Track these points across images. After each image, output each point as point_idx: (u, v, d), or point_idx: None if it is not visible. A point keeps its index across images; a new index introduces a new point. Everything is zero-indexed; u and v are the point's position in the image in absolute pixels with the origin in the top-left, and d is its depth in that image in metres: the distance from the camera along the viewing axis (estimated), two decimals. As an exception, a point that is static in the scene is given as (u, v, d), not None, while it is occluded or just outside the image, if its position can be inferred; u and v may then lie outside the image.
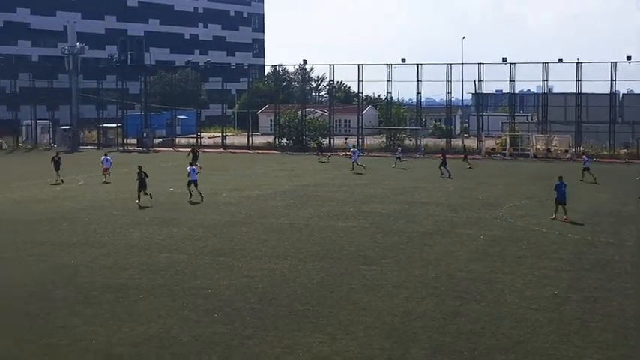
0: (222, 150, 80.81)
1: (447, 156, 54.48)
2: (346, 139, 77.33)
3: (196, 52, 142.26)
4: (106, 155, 51.35)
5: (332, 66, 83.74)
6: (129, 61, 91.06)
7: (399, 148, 66.60)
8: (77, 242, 27.93)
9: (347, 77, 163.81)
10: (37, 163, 62.27)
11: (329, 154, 70.92)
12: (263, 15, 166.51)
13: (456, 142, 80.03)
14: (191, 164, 41.79)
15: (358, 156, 58.71)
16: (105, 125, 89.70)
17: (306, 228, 31.12)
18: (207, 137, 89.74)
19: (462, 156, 62.78)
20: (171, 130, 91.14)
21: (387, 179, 50.76)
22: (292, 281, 22.13)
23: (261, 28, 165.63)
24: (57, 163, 48.79)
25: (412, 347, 16.50)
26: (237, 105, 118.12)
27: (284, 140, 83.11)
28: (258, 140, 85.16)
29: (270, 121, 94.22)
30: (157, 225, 31.60)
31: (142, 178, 38.48)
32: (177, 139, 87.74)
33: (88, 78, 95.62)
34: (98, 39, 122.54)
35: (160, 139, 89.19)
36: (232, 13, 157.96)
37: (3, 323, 17.98)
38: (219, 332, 17.39)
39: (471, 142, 79.47)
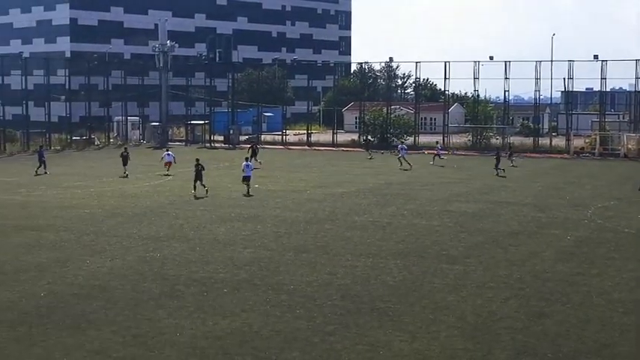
0: (306, 147, 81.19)
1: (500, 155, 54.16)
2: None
3: (283, 49, 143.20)
4: (167, 150, 54.26)
5: (418, 63, 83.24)
6: (217, 59, 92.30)
7: (439, 145, 66.21)
8: (164, 236, 28.52)
9: (433, 75, 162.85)
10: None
11: (381, 150, 71.84)
12: (350, 12, 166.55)
13: (544, 141, 78.56)
14: (247, 159, 42.81)
15: (406, 152, 58.97)
16: (193, 122, 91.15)
17: (389, 226, 31.05)
18: (292, 134, 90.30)
19: (508, 153, 61.51)
20: (257, 127, 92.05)
21: (473, 178, 50.20)
22: (374, 279, 22.12)
23: (347, 26, 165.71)
24: (125, 158, 50.97)
25: (495, 348, 16.31)
26: (322, 102, 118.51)
27: (369, 138, 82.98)
28: (342, 138, 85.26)
29: (355, 118, 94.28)
30: (241, 221, 32.00)
31: (199, 170, 40.41)
32: (263, 136, 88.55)
33: (178, 75, 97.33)
34: (188, 37, 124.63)
35: (246, 136, 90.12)
36: (320, 11, 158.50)
37: (89, 314, 18.48)
38: (301, 328, 17.51)
39: (560, 141, 77.91)
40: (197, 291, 20.63)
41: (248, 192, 40.30)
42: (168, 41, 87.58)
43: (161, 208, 35.45)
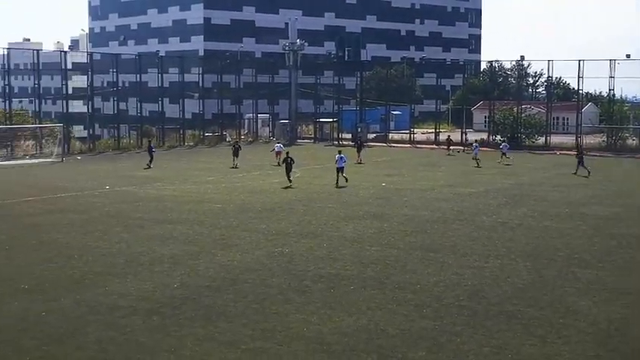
0: (434, 146, 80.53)
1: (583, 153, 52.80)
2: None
3: (412, 47, 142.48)
4: (278, 142, 58.26)
5: (550, 62, 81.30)
6: (346, 57, 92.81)
7: (504, 144, 64.87)
8: (292, 232, 28.92)
9: (566, 73, 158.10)
10: (257, 154, 64.91)
11: (459, 148, 71.94)
12: (480, 10, 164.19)
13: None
14: (339, 152, 45.66)
15: (478, 150, 59.43)
16: (321, 120, 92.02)
17: (519, 227, 30.45)
18: (420, 133, 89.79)
19: None
20: (384, 126, 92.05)
21: (609, 180, 48.61)
22: (503, 281, 21.75)
23: (478, 24, 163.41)
24: (236, 150, 55.36)
25: (631, 357, 15.77)
26: (451, 101, 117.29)
27: (498, 137, 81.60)
28: (472, 137, 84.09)
29: (485, 117, 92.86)
30: (368, 219, 32.08)
31: (289, 162, 44.07)
32: (390, 135, 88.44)
33: (307, 73, 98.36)
34: (317, 35, 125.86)
35: (374, 134, 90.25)
36: (449, 9, 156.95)
37: (220, 306, 18.93)
38: (428, 328, 17.42)
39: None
40: (324, 287, 20.83)
41: (345, 179, 43.79)
42: (298, 40, 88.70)
43: (289, 205, 35.96)
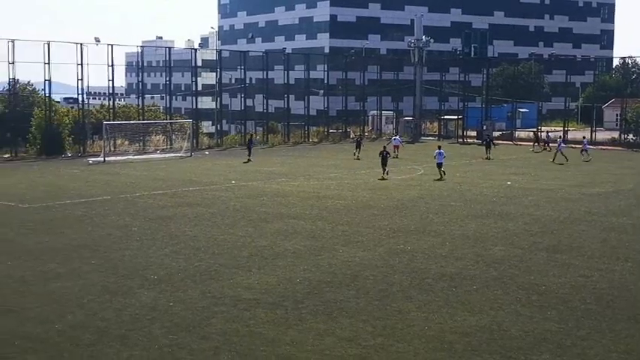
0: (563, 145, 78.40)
1: None
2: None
3: (540, 44, 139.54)
4: (395, 135, 59.55)
5: (688, 58, 77.81)
6: (472, 54, 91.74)
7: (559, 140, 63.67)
8: (415, 230, 28.82)
9: None
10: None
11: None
12: (614, 4, 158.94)
13: None
14: (439, 147, 47.31)
15: (563, 147, 59.93)
16: (446, 117, 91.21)
17: (652, 230, 29.36)
18: (546, 131, 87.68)
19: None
20: (511, 123, 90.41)
21: None
22: (633, 285, 21.01)
23: (610, 19, 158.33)
24: (359, 143, 58.33)
25: None
26: (581, 99, 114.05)
27: (630, 136, 78.82)
28: (601, 136, 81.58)
29: (616, 115, 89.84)
30: (492, 218, 31.61)
31: (384, 156, 46.13)
32: (517, 132, 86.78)
33: (432, 70, 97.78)
34: (443, 32, 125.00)
35: (500, 132, 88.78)
36: (581, 4, 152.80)
37: (341, 302, 19.07)
38: (552, 330, 17.03)
39: None
40: (446, 286, 20.67)
41: (441, 177, 45.07)
42: (423, 36, 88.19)
43: (412, 202, 35.84)
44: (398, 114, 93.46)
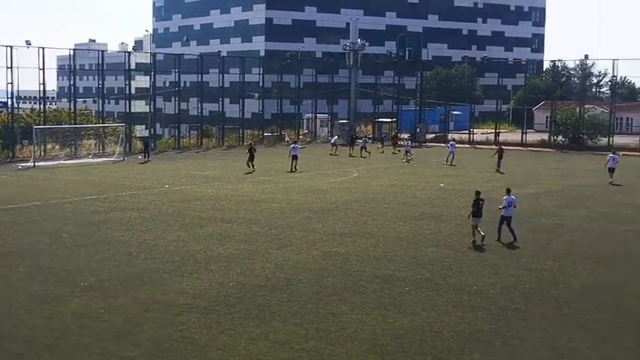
0: (493, 146, 79.59)
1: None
2: None
3: (473, 47, 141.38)
4: (295, 144, 55.39)
5: (615, 61, 79.77)
6: (407, 57, 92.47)
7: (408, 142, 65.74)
8: (348, 232, 28.91)
9: (632, 72, 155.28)
10: (315, 155, 65.11)
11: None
12: (544, 9, 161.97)
13: None
14: (295, 142, 51.02)
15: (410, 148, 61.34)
16: (380, 120, 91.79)
17: (579, 229, 30.01)
18: (479, 133, 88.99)
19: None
20: (444, 126, 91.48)
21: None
22: (561, 283, 21.45)
23: (541, 23, 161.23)
24: (251, 152, 51.99)
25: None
26: (512, 101, 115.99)
27: (559, 138, 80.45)
28: (532, 137, 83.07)
29: (546, 118, 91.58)
30: (425, 219, 31.92)
31: (252, 152, 50.06)
32: (450, 135, 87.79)
33: (367, 73, 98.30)
34: (378, 35, 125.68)
35: (433, 134, 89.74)
36: (512, 8, 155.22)
37: (275, 306, 19.02)
38: (482, 330, 17.26)
39: None
40: (379, 288, 20.78)
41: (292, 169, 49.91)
42: (359, 40, 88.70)
43: (346, 205, 35.96)
44: (333, 117, 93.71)
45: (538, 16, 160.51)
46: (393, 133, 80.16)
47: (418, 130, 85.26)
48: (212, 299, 19.50)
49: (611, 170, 46.16)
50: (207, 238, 27.46)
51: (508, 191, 28.10)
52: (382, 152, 68.32)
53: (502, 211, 27.49)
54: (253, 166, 50.56)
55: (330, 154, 64.37)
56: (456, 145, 61.35)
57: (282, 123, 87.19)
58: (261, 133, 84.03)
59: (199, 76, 77.12)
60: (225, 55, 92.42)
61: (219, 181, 45.24)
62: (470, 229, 27.20)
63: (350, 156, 63.42)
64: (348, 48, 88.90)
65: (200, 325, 17.41)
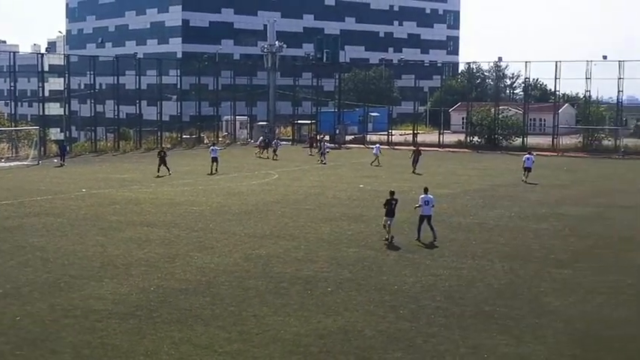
0: (412, 147, 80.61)
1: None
2: None
3: (390, 49, 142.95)
4: (214, 145, 55.40)
5: (528, 63, 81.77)
6: (324, 59, 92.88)
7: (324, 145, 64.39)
8: (270, 234, 28.88)
9: (543, 74, 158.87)
10: (235, 157, 64.87)
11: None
12: (458, 12, 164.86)
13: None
14: (214, 144, 51.53)
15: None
16: (299, 121, 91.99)
17: (496, 228, 30.61)
18: (398, 134, 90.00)
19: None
20: (363, 127, 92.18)
21: (583, 181, 48.97)
22: (479, 281, 21.85)
23: (456, 25, 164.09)
24: (162, 159, 50.76)
25: (606, 356, 15.90)
26: (429, 102, 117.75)
27: (475, 139, 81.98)
28: (449, 138, 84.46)
29: (462, 119, 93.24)
30: (346, 220, 32.11)
31: (162, 156, 50.27)
32: (368, 136, 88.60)
33: (285, 75, 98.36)
34: (296, 37, 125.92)
35: (352, 136, 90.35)
36: (428, 11, 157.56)
37: (197, 309, 18.87)
38: (404, 328, 17.45)
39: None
40: (301, 289, 20.81)
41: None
42: (276, 42, 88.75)
43: (267, 207, 35.90)
44: (252, 119, 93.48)
45: (452, 19, 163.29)
46: (312, 135, 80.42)
47: (337, 131, 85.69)
48: (133, 304, 19.21)
49: (527, 170, 47.32)
50: (127, 243, 27.05)
51: (425, 190, 28.43)
52: (310, 155, 67.60)
53: (420, 210, 27.77)
54: (168, 169, 49.80)
55: (260, 157, 64.48)
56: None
57: (201, 125, 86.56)
58: (179, 135, 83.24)
59: (115, 78, 75.84)
60: (141, 56, 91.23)
61: (138, 184, 44.63)
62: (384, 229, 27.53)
63: (264, 158, 63.33)
64: (266, 50, 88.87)
65: (121, 331, 17.14)
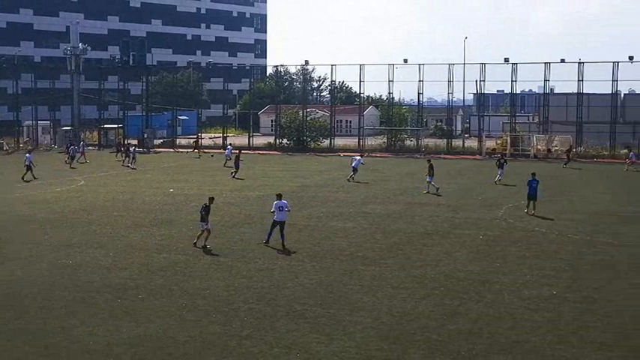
0: (222, 151, 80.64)
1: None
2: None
3: (198, 52, 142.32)
4: (28, 153, 52.64)
5: (334, 66, 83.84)
6: (131, 62, 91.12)
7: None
8: (77, 243, 27.95)
9: (349, 77, 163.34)
10: (38, 163, 62.23)
11: (211, 152, 72.06)
12: (266, 15, 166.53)
13: (457, 143, 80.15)
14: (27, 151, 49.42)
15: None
16: (106, 126, 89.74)
17: (306, 228, 31.14)
18: (207, 137, 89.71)
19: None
20: (172, 131, 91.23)
21: (388, 180, 50.76)
22: (291, 281, 22.15)
23: (263, 29, 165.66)
24: (28, 167, 49.51)
25: (410, 348, 16.52)
26: (238, 105, 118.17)
27: (285, 141, 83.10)
28: (259, 141, 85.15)
29: (272, 121, 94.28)
30: (156, 226, 31.62)
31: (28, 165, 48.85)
32: (178, 140, 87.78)
33: (90, 79, 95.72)
34: (100, 40, 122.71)
35: (161, 140, 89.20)
36: (235, 14, 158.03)
37: (1, 323, 17.98)
38: (217, 332, 17.41)
39: (472, 143, 79.56)
40: (111, 297, 20.30)
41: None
42: (80, 44, 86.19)
43: (73, 214, 34.73)
44: (56, 124, 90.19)
45: (260, 23, 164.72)
46: (119, 140, 78.72)
47: (145, 135, 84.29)
48: None
49: (354, 170, 49.50)
50: None
51: (279, 196, 28.35)
52: (117, 160, 65.69)
53: (274, 216, 27.72)
54: None
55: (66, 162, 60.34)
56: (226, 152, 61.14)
57: (1, 131, 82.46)
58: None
59: None
60: None
61: None
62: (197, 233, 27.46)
63: (67, 164, 60.27)
64: (69, 52, 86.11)
65: None
